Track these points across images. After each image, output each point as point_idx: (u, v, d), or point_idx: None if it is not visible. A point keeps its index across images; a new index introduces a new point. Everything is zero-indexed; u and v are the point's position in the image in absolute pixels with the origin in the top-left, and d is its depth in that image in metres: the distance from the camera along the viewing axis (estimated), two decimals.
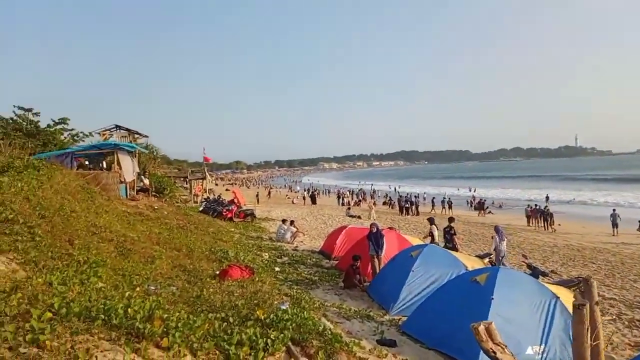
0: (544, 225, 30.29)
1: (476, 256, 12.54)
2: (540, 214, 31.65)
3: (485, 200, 43.85)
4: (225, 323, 4.96)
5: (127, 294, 5.52)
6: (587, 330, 2.67)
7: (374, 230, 11.95)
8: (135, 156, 23.45)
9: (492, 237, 14.80)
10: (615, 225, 27.12)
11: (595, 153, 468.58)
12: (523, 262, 12.82)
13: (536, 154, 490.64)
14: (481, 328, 3.13)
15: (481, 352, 6.19)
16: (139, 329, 3.96)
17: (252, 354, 4.24)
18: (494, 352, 3.20)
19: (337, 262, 14.12)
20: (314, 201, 49.25)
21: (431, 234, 16.08)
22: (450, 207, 41.82)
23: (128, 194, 17.87)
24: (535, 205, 34.50)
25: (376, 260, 11.67)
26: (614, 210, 28.70)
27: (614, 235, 26.68)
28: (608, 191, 62.18)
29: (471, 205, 46.88)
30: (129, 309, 4.36)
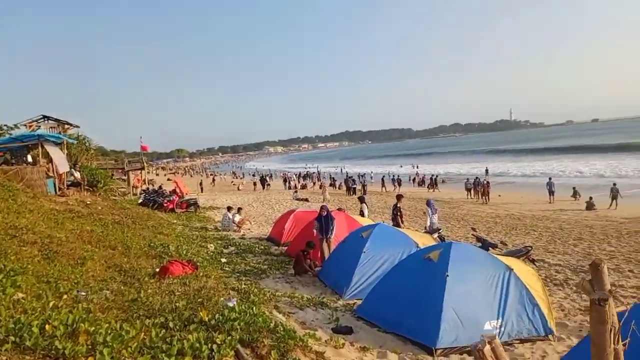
0: (485, 198, 31.15)
1: (425, 232, 12.53)
2: (479, 187, 32.61)
3: (436, 177, 44.64)
4: (165, 329, 4.43)
5: (51, 303, 4.87)
6: (611, 332, 2.28)
7: (324, 213, 11.59)
8: (65, 148, 21.88)
9: (424, 213, 15.03)
10: (551, 193, 28.38)
11: (529, 125, 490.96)
12: (472, 234, 12.97)
13: (474, 129, 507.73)
14: (487, 349, 2.64)
15: (440, 331, 6.07)
16: (59, 350, 3.38)
17: None
18: None
19: (286, 248, 13.73)
20: (264, 185, 48.49)
21: (361, 212, 16.54)
22: (399, 184, 42.53)
23: (57, 190, 16.54)
24: (476, 178, 35.52)
25: (325, 244, 11.35)
26: (549, 179, 30.01)
27: (550, 202, 27.93)
28: (542, 161, 65.46)
29: (414, 182, 47.84)
30: (47, 326, 3.75)
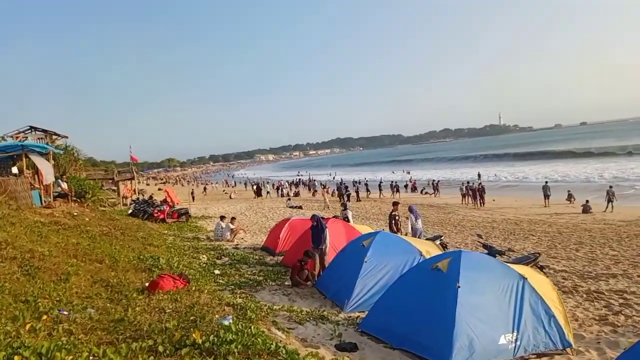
0: (480, 202, 30.82)
1: (426, 239, 12.11)
2: (473, 191, 32.24)
3: (437, 182, 44.05)
4: (153, 355, 3.95)
5: (27, 326, 4.38)
6: None
7: (315, 223, 11.08)
8: (52, 159, 21.30)
9: (406, 218, 14.72)
10: (547, 196, 28.11)
11: (518, 130, 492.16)
12: (478, 242, 12.54)
13: (464, 134, 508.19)
14: None
15: (454, 349, 5.61)
16: None
17: None
18: None
19: (281, 257, 13.23)
20: (259, 194, 47.94)
21: (346, 218, 16.48)
22: (397, 190, 42.27)
23: (42, 201, 15.94)
24: (469, 182, 35.21)
25: (317, 256, 10.87)
26: (546, 182, 29.75)
27: (545, 206, 27.66)
28: (534, 165, 65.51)
29: (406, 188, 47.58)
30: (16, 357, 3.28)
